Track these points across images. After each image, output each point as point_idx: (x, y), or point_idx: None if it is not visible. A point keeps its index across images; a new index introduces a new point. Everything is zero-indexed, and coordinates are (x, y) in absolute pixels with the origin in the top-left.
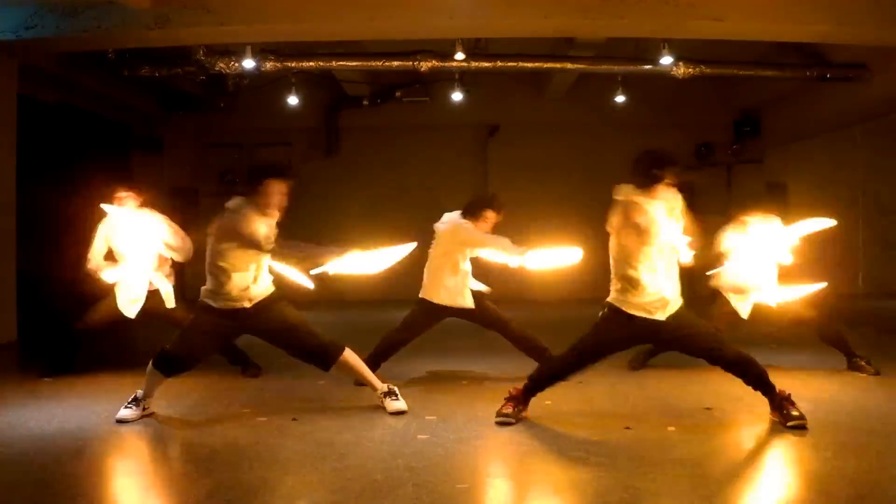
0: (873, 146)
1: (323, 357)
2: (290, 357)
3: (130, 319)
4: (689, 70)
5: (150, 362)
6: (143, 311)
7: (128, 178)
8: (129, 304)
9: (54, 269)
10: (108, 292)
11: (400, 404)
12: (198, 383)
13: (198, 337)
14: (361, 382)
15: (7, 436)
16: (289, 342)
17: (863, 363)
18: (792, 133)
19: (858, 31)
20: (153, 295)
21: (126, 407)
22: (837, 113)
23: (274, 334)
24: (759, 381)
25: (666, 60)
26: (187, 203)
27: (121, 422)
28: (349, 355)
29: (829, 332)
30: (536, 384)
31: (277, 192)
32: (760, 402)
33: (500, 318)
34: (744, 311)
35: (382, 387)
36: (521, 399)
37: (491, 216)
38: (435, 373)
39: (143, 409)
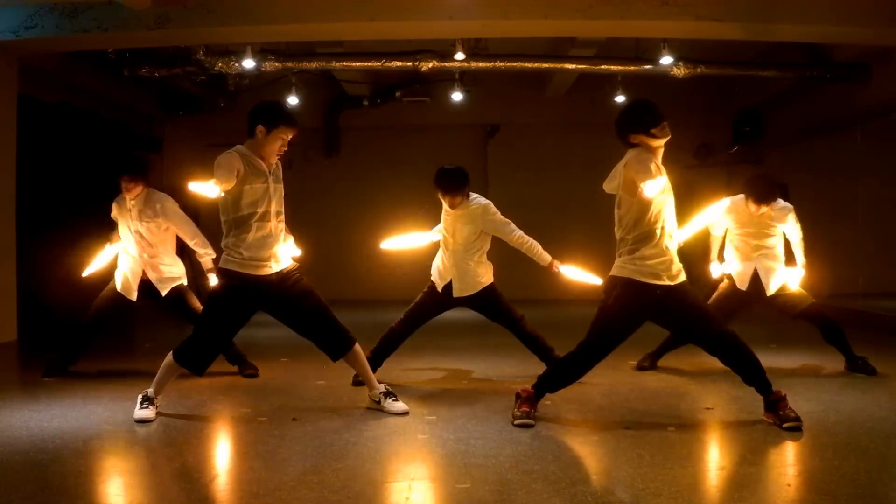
0: (873, 146)
1: (338, 344)
2: (289, 357)
3: (128, 316)
4: (689, 70)
5: (170, 356)
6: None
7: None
8: (131, 287)
9: (54, 268)
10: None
11: (400, 405)
12: (198, 383)
13: (222, 313)
14: (360, 382)
15: (7, 436)
16: (307, 321)
17: (861, 363)
18: (792, 133)
19: (858, 31)
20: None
21: (142, 407)
22: (837, 113)
23: (293, 309)
24: (756, 378)
25: (666, 60)
26: (187, 203)
27: (140, 422)
28: (359, 349)
29: (832, 332)
30: (551, 382)
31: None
32: (759, 403)
33: (512, 313)
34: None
35: (380, 387)
36: (535, 398)
37: (439, 193)
38: (435, 373)
39: (157, 407)
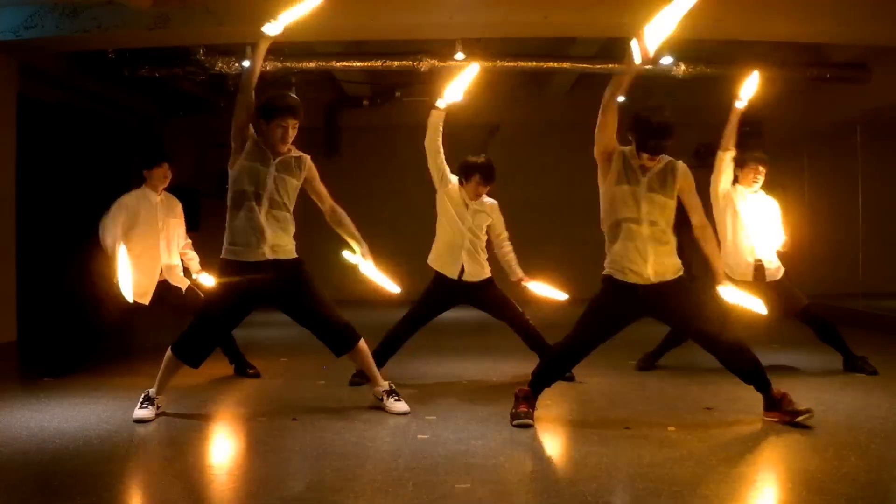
0: (873, 146)
1: (343, 339)
2: (289, 357)
3: (134, 316)
4: (689, 70)
5: (169, 350)
6: (160, 300)
7: (128, 177)
8: (148, 290)
9: (54, 268)
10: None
11: (402, 405)
12: (198, 383)
13: (219, 304)
14: (357, 382)
15: (7, 436)
16: (312, 316)
17: (861, 363)
18: (791, 133)
19: (858, 31)
20: (166, 284)
21: (141, 407)
22: (837, 113)
23: (298, 303)
24: (755, 377)
25: (666, 60)
26: (187, 203)
27: (138, 422)
28: (363, 346)
29: (827, 332)
30: (543, 377)
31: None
32: (759, 402)
33: (514, 309)
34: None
35: (385, 385)
36: (532, 397)
37: (475, 181)
38: (435, 373)
39: (157, 407)
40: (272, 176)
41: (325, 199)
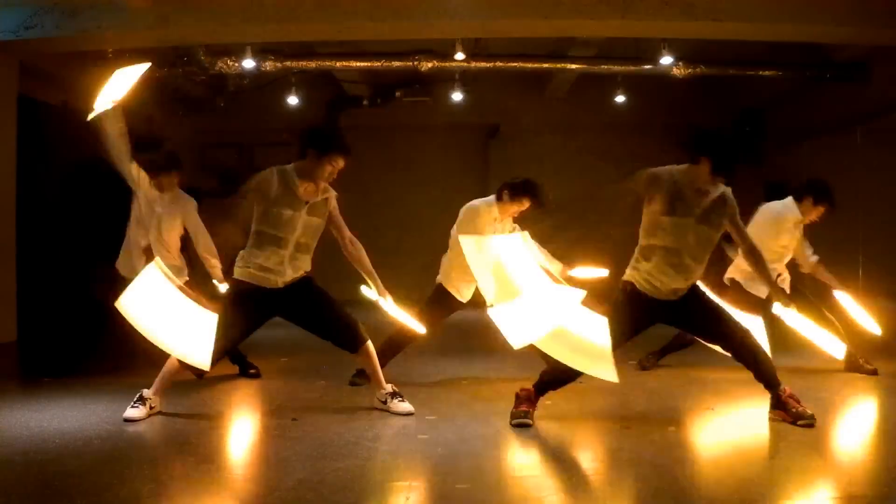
0: (873, 146)
1: (354, 336)
2: (289, 357)
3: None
4: (689, 70)
5: (174, 358)
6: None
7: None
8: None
9: (54, 269)
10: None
11: (406, 405)
12: (198, 383)
13: (228, 320)
14: (357, 383)
15: (7, 436)
16: (320, 324)
17: (861, 363)
18: (792, 133)
19: (858, 31)
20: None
21: (133, 406)
22: (837, 113)
23: (306, 316)
24: (766, 375)
25: (666, 60)
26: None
27: (128, 421)
28: (371, 348)
29: (830, 331)
30: (552, 381)
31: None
32: (760, 403)
33: None
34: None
35: (388, 388)
36: (535, 398)
37: (533, 206)
38: (435, 373)
39: (151, 407)
40: (302, 221)
41: (344, 232)
